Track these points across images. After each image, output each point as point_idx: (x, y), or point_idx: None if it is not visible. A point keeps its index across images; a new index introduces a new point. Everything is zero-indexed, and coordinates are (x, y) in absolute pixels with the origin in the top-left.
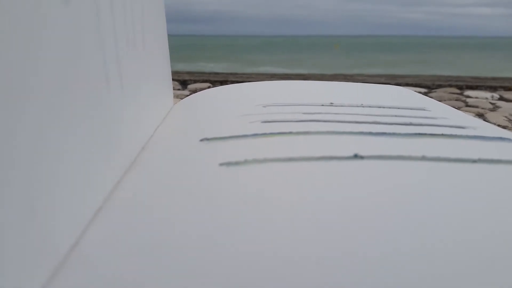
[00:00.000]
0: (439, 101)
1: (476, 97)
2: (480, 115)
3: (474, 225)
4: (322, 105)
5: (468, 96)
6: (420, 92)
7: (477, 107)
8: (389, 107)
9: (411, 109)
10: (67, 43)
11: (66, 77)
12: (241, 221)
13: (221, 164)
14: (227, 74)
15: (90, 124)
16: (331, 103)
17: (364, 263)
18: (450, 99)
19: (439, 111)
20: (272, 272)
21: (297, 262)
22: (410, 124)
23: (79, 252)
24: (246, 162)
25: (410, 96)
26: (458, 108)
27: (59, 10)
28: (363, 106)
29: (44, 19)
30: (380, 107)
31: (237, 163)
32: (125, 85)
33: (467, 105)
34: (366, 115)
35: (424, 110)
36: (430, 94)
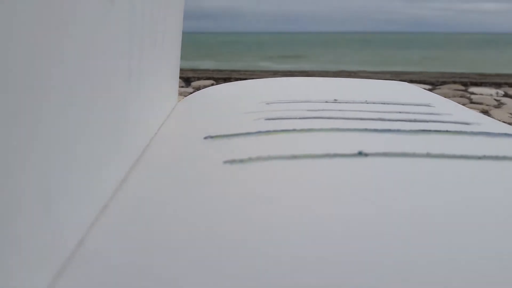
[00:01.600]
0: None
1: (481, 94)
2: (485, 112)
3: (480, 222)
4: (326, 101)
5: (473, 93)
6: (424, 89)
7: (481, 103)
8: (394, 103)
9: (415, 105)
10: (109, 39)
11: (95, 79)
12: (245, 218)
13: (225, 162)
14: (231, 71)
15: (103, 121)
16: (335, 99)
17: (367, 260)
18: (454, 96)
19: (443, 107)
20: (275, 268)
21: (300, 259)
22: (415, 120)
23: (85, 248)
24: (250, 159)
25: (414, 91)
26: (463, 105)
27: (107, 7)
28: (367, 103)
29: (98, 16)
30: (384, 103)
31: (241, 161)
32: (142, 83)
33: (472, 102)
34: (371, 111)
35: (429, 106)
36: (434, 91)
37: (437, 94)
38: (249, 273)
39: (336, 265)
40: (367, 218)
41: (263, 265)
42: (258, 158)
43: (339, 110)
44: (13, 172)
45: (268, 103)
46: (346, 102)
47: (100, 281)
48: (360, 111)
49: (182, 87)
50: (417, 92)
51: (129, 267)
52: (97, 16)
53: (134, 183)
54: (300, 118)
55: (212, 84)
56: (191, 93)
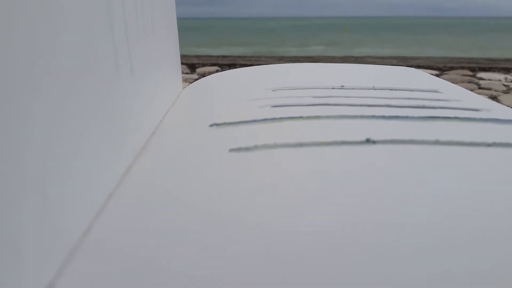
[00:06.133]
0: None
1: (489, 79)
2: (493, 98)
3: (488, 209)
4: (333, 88)
5: (481, 78)
6: (431, 75)
7: (490, 89)
8: (401, 90)
9: (423, 91)
10: (79, 30)
11: (77, 65)
12: (251, 206)
13: (231, 150)
14: (236, 57)
15: (101, 111)
16: (342, 86)
17: (376, 247)
18: (462, 81)
19: (452, 93)
20: (282, 256)
21: (308, 248)
22: (423, 107)
23: (91, 237)
24: (256, 147)
25: (422, 77)
26: (471, 91)
27: None
28: (374, 89)
29: (57, 6)
30: (392, 89)
31: (247, 149)
32: (135, 71)
33: (480, 87)
34: (378, 98)
35: (437, 92)
36: (442, 76)
37: (445, 79)
38: (255, 260)
39: (344, 253)
40: (375, 206)
41: (269, 253)
42: (264, 146)
43: (346, 97)
44: (14, 162)
45: (274, 90)
46: (353, 89)
47: (106, 270)
48: (367, 97)
49: (187, 73)
50: (425, 78)
51: (135, 256)
52: (59, 6)
53: (139, 171)
54: (306, 105)
55: (217, 71)
56: (196, 79)
